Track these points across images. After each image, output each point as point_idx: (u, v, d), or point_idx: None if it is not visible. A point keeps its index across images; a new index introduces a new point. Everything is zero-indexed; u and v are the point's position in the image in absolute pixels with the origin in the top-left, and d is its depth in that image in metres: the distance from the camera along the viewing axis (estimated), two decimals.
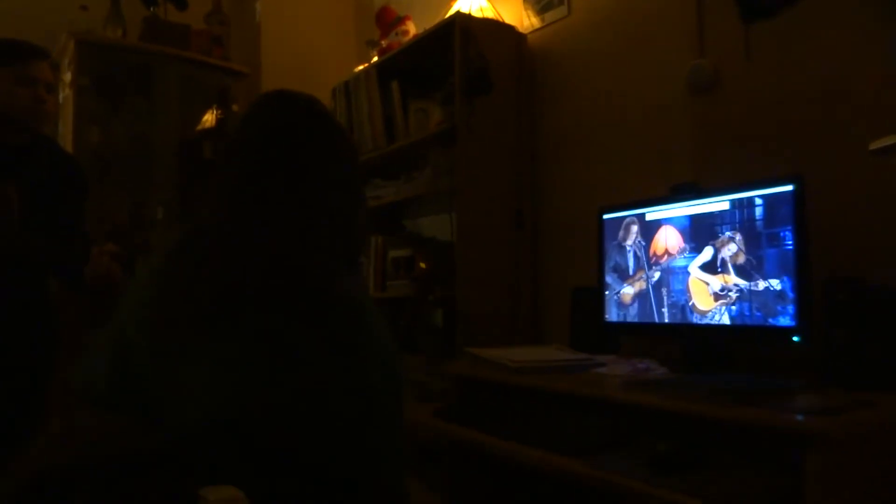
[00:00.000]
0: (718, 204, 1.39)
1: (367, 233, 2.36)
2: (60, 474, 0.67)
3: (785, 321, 1.24)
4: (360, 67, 2.63)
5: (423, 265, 2.14)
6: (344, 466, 0.78)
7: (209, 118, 2.92)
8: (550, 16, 2.16)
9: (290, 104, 0.93)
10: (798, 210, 1.25)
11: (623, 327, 1.62)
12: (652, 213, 1.55)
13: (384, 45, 2.59)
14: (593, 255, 1.71)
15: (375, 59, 2.58)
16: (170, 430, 0.75)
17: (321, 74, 2.95)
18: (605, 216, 1.68)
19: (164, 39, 2.72)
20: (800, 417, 0.93)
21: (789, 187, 1.26)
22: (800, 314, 1.22)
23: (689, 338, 1.47)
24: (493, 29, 2.17)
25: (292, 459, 0.75)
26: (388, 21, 2.60)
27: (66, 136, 2.54)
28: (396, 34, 2.55)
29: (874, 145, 0.95)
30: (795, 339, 1.21)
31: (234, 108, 2.89)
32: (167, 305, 0.81)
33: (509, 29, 2.23)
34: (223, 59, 2.90)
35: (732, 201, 1.36)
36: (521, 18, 2.27)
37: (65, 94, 2.57)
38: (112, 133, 2.67)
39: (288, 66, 3.04)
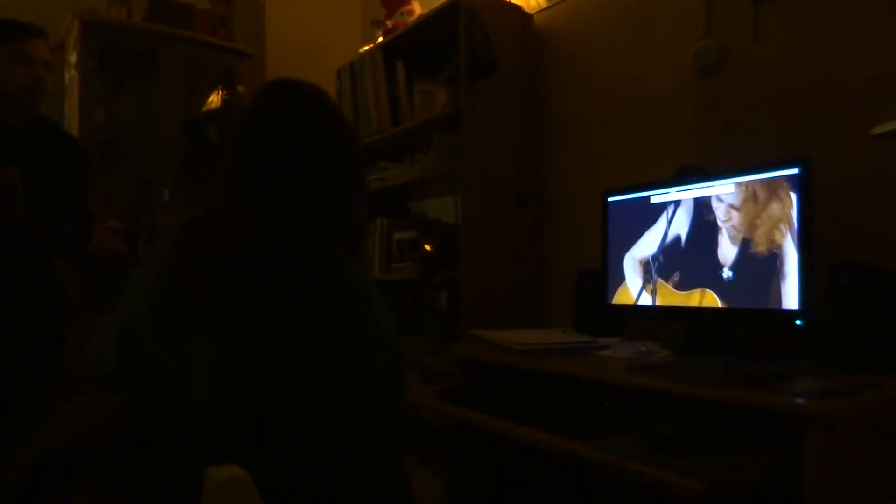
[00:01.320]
0: (724, 187, 1.38)
1: (369, 220, 2.36)
2: (65, 454, 0.68)
3: (788, 305, 1.24)
4: (365, 48, 2.61)
5: (427, 247, 2.14)
6: (346, 446, 0.79)
7: (214, 99, 2.91)
8: None
9: (295, 93, 0.94)
10: (804, 193, 1.24)
11: (627, 310, 1.62)
12: (656, 196, 1.54)
13: (389, 26, 2.57)
14: (598, 237, 1.71)
15: (380, 39, 2.56)
16: (177, 411, 0.77)
17: (326, 55, 2.93)
18: (610, 199, 1.67)
19: (169, 19, 2.71)
20: (799, 400, 0.94)
21: (795, 170, 1.25)
22: (803, 298, 1.22)
23: (691, 320, 1.47)
24: (498, 9, 2.15)
25: (295, 439, 0.77)
26: (394, 1, 2.58)
27: (71, 117, 2.54)
28: (402, 14, 2.53)
29: (877, 130, 0.94)
30: (798, 322, 1.21)
31: (240, 88, 2.88)
32: (174, 288, 0.82)
33: (515, 9, 2.20)
34: (228, 39, 2.88)
35: (738, 184, 1.36)
36: None
37: (70, 74, 2.57)
38: (117, 114, 2.67)
39: (293, 47, 3.03)
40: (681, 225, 1.47)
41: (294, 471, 0.76)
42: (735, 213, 1.36)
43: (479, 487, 1.63)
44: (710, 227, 1.40)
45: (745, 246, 1.33)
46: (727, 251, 1.36)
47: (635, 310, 1.59)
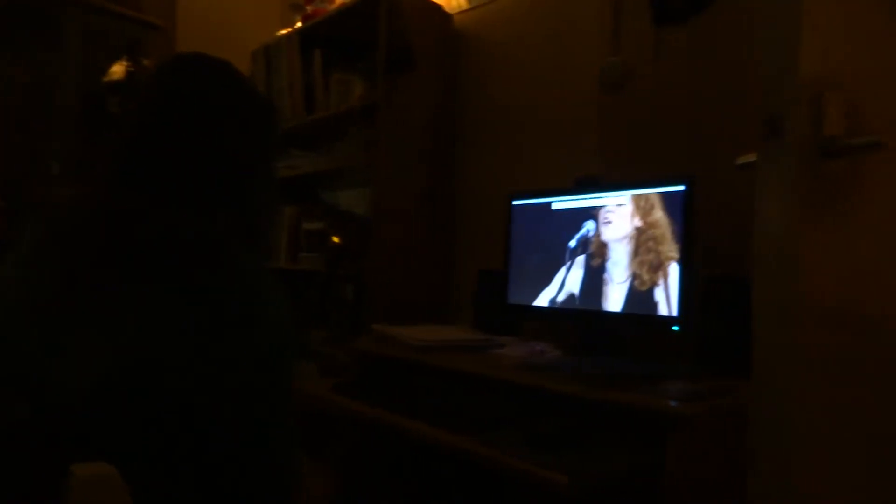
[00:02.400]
0: (618, 198, 1.46)
1: (275, 206, 2.31)
2: None
3: (668, 312, 1.33)
4: (283, 32, 2.55)
5: (335, 239, 2.13)
6: (227, 437, 0.78)
7: (117, 70, 2.74)
8: None
9: (202, 67, 0.89)
10: (687, 208, 1.33)
11: (524, 310, 1.68)
12: (557, 203, 1.61)
13: (309, 11, 2.52)
14: (502, 238, 1.76)
15: (299, 24, 2.51)
16: (46, 400, 0.73)
17: (241, 35, 2.82)
18: (514, 202, 1.73)
19: None
20: (667, 402, 1.01)
21: (681, 187, 1.35)
22: (681, 306, 1.31)
23: (583, 323, 1.55)
24: (420, 5, 2.16)
25: (172, 429, 0.75)
26: None
27: None
28: (322, 0, 2.49)
29: (740, 160, 1.03)
30: (675, 328, 1.31)
31: (146, 62, 2.72)
32: (51, 272, 0.78)
33: (436, 7, 2.22)
34: (135, 8, 2.73)
35: (630, 197, 1.44)
36: None
37: None
38: (7, 79, 2.47)
39: (206, 23, 2.89)
40: (578, 240, 1.55)
41: (174, 462, 0.75)
42: (626, 224, 1.44)
43: (371, 481, 1.64)
44: (603, 237, 1.48)
45: (634, 253, 1.41)
46: (618, 259, 1.44)
47: (532, 310, 1.66)
